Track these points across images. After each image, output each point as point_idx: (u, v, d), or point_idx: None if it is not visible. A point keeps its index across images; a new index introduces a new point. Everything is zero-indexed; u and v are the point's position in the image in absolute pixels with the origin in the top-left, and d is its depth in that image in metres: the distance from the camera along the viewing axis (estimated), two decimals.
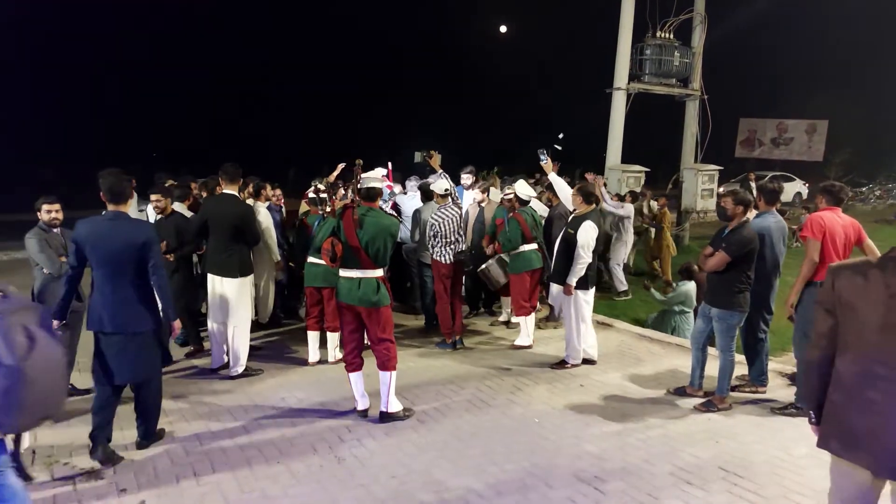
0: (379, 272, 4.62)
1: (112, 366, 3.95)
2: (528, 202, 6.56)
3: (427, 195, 6.85)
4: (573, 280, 5.67)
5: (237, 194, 5.66)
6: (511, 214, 6.47)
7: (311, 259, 5.81)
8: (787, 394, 5.21)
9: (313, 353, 6.02)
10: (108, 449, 4.02)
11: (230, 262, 5.47)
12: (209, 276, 5.57)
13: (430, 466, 4.04)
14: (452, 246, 6.24)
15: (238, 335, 5.54)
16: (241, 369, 5.58)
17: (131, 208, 6.35)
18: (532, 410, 4.96)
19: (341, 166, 7.00)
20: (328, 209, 5.79)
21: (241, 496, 3.67)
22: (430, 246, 6.32)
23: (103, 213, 4.03)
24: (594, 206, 5.77)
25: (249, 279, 5.70)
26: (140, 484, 3.79)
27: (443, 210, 6.26)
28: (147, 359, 4.11)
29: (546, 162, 6.28)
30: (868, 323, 2.35)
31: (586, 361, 5.97)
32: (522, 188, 6.54)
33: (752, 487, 3.81)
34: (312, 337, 6.00)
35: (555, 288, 6.01)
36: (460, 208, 6.44)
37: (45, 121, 28.33)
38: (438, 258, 6.27)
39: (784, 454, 4.24)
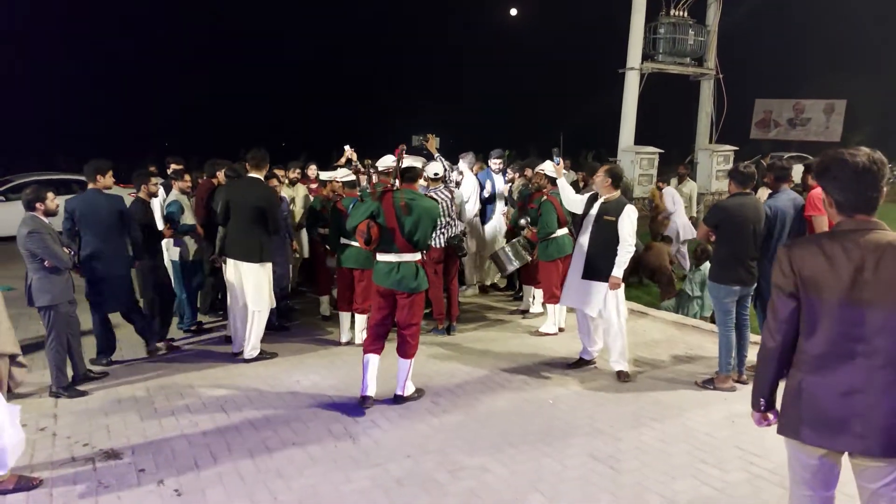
0: (417, 256, 4.57)
1: (103, 299, 5.34)
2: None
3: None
4: (620, 272, 5.07)
5: (262, 178, 5.65)
6: (545, 198, 6.20)
7: (345, 240, 5.81)
8: None
9: (345, 333, 6.06)
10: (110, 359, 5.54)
11: (252, 246, 5.46)
12: (230, 260, 5.58)
13: (445, 446, 4.05)
14: (443, 230, 6.18)
15: (258, 320, 5.57)
16: (255, 353, 5.62)
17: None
18: (546, 392, 4.95)
19: (349, 149, 6.94)
20: (368, 191, 5.69)
21: (258, 476, 3.70)
22: None
23: (86, 190, 5.35)
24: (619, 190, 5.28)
25: (269, 266, 5.66)
26: (158, 464, 3.84)
27: (432, 194, 6.22)
28: (127, 293, 5.46)
29: (559, 164, 5.83)
30: (837, 300, 2.22)
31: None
32: (552, 168, 6.20)
33: (769, 466, 3.78)
34: (344, 317, 6.05)
35: (584, 286, 5.20)
36: (451, 193, 6.36)
37: (59, 110, 28.60)
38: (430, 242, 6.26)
39: None
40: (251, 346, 5.61)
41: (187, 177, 6.37)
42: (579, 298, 5.25)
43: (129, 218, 5.41)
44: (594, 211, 5.20)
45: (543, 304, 6.56)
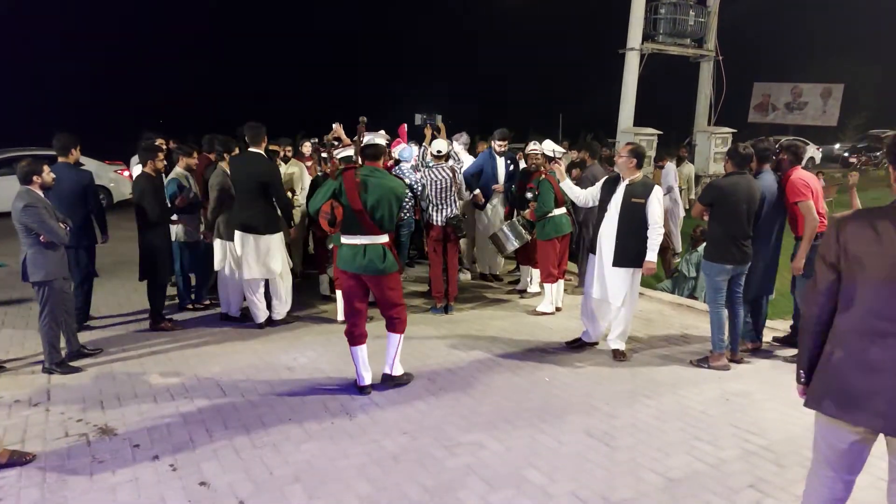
0: (384, 238, 4.34)
1: (72, 266, 5.27)
2: (557, 161, 6.19)
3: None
4: (654, 256, 4.93)
5: (262, 153, 5.72)
6: (543, 177, 6.13)
7: None
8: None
9: (342, 312, 6.03)
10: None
11: (261, 219, 5.61)
12: (237, 233, 5.69)
13: (442, 423, 4.06)
14: (438, 208, 6.17)
15: (280, 283, 5.85)
16: (285, 311, 6.00)
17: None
18: (543, 370, 4.95)
19: (337, 125, 6.87)
20: (328, 169, 5.69)
21: (253, 451, 3.70)
22: (424, 206, 6.28)
23: (55, 164, 5.34)
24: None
25: (280, 235, 5.83)
26: (153, 440, 3.83)
27: (431, 171, 6.21)
28: (87, 263, 5.72)
29: (560, 160, 5.58)
30: (876, 277, 2.19)
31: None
32: (551, 146, 6.18)
33: (763, 443, 3.80)
34: (341, 296, 6.00)
35: (612, 275, 5.00)
36: (453, 172, 6.31)
37: (56, 88, 28.30)
38: (429, 220, 6.28)
39: (795, 411, 4.21)
40: (282, 307, 5.95)
41: (195, 153, 6.28)
42: (608, 289, 5.04)
43: (93, 193, 5.71)
44: (619, 195, 4.96)
45: (541, 284, 6.54)
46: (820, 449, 2.43)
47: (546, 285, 6.36)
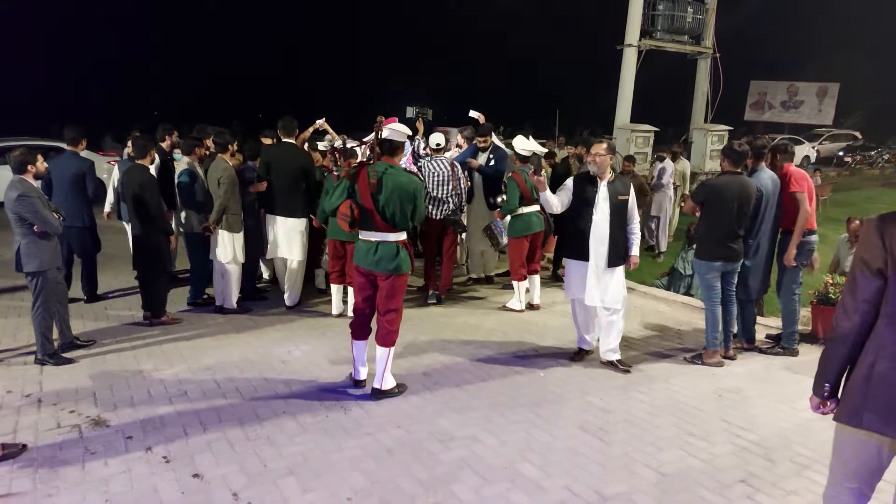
0: (399, 236, 4.22)
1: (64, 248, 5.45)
2: (528, 159, 6.11)
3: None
4: (638, 249, 4.95)
5: (296, 143, 6.26)
6: (510, 174, 6.07)
7: None
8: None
9: (336, 306, 6.06)
10: None
11: (295, 203, 6.08)
12: (269, 216, 6.17)
13: (436, 417, 4.06)
14: (437, 202, 6.16)
15: (298, 268, 6.25)
16: (297, 297, 6.32)
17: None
18: (537, 365, 4.97)
19: (319, 122, 6.84)
20: (344, 169, 5.58)
21: (247, 444, 3.69)
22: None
23: (63, 153, 6.08)
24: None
25: (306, 221, 6.24)
26: (146, 431, 3.82)
27: (430, 163, 6.19)
28: (90, 243, 6.18)
29: (541, 178, 5.05)
30: None
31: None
32: (521, 144, 6.10)
33: (754, 439, 3.83)
34: (336, 290, 6.04)
35: (605, 278, 4.81)
36: (453, 167, 6.26)
37: (55, 80, 28.19)
38: (427, 214, 6.24)
39: (787, 408, 4.25)
40: (295, 294, 6.28)
41: (207, 142, 6.26)
42: (608, 293, 4.83)
43: (94, 179, 6.15)
44: (604, 194, 4.75)
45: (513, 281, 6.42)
46: (844, 462, 2.31)
47: (515, 283, 6.33)
